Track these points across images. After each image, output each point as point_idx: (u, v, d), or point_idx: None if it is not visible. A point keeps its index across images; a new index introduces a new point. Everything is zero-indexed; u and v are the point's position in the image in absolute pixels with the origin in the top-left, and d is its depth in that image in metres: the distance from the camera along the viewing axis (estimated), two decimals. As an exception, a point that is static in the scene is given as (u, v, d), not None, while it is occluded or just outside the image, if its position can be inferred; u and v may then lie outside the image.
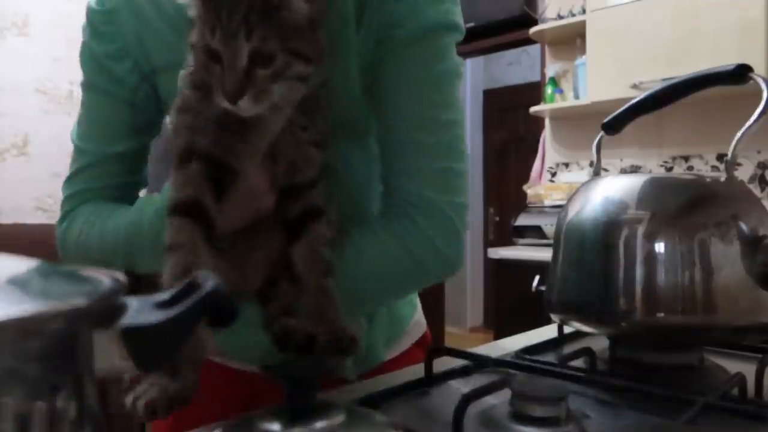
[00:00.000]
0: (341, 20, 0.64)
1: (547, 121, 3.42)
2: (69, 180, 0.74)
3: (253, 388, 0.79)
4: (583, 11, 2.96)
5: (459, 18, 0.66)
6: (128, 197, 0.74)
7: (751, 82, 0.72)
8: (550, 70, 3.30)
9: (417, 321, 0.88)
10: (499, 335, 2.96)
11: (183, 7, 0.61)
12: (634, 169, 3.06)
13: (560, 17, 3.13)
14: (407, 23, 0.63)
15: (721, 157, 2.81)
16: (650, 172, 2.98)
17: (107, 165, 0.72)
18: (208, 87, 0.52)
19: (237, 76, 0.50)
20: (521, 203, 3.35)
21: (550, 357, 0.75)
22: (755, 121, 0.68)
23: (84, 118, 0.72)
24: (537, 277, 0.83)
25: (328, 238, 0.58)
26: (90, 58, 0.69)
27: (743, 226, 0.65)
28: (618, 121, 0.84)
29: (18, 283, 0.30)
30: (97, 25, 0.68)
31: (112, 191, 0.73)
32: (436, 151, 0.63)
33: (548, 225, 2.92)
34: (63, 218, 0.74)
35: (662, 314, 0.65)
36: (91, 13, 0.68)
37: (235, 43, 0.49)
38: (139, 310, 0.33)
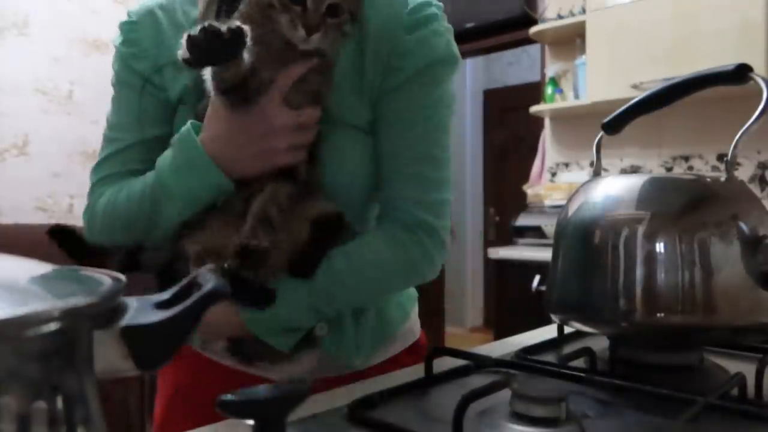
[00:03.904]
0: (347, 43, 0.76)
1: (547, 121, 3.42)
2: (98, 166, 0.83)
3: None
4: (583, 11, 2.96)
5: (456, 49, 0.79)
6: None
7: (751, 82, 0.72)
8: (550, 70, 3.30)
9: (409, 328, 0.91)
10: (499, 335, 2.96)
11: (193, 17, 0.79)
12: (634, 169, 3.06)
13: (560, 17, 3.13)
14: (417, 54, 0.75)
15: (721, 157, 2.81)
16: (650, 172, 2.98)
17: (132, 151, 0.81)
18: (272, 21, 0.67)
19: (318, 17, 0.67)
20: (521, 203, 3.36)
21: (550, 357, 0.75)
22: (755, 121, 0.68)
23: (113, 111, 0.84)
24: (537, 277, 0.83)
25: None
26: (119, 58, 0.82)
27: (743, 226, 0.65)
28: (618, 121, 0.84)
29: (18, 283, 0.30)
30: (126, 33, 0.82)
31: (135, 176, 0.80)
32: (437, 185, 0.77)
33: (548, 225, 2.92)
34: (92, 201, 0.81)
35: (662, 314, 0.65)
36: (121, 23, 0.83)
37: None
38: (139, 310, 0.33)
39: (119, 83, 0.83)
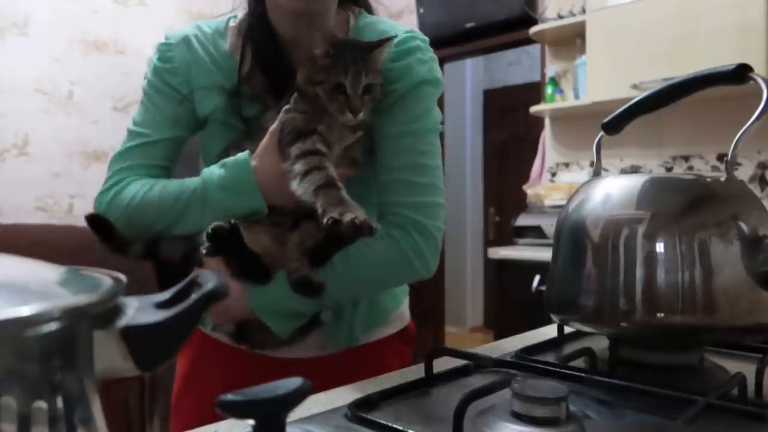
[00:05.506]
0: None
1: (547, 121, 3.42)
2: (121, 154, 0.90)
3: (267, 371, 0.92)
4: (583, 11, 2.96)
5: (440, 74, 0.90)
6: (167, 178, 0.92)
7: (751, 82, 0.72)
8: (550, 70, 3.30)
9: (401, 314, 1.02)
10: (499, 335, 2.96)
11: (222, 49, 0.92)
12: (634, 169, 3.06)
13: (560, 17, 3.13)
14: (404, 78, 0.86)
15: (721, 157, 2.81)
16: (650, 172, 2.98)
17: (159, 147, 0.91)
18: (320, 105, 0.80)
19: (359, 100, 0.79)
20: (521, 203, 3.35)
21: (550, 357, 0.75)
22: (755, 121, 0.68)
23: (142, 112, 0.93)
24: (537, 277, 0.83)
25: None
26: (154, 72, 0.93)
27: (743, 226, 0.65)
28: (618, 121, 0.84)
29: (18, 283, 0.30)
30: (162, 52, 0.93)
31: (155, 171, 0.90)
32: (427, 190, 0.86)
33: (548, 225, 2.92)
34: (111, 186, 0.88)
35: (662, 314, 0.65)
36: (159, 44, 0.94)
37: (360, 78, 0.79)
38: (139, 310, 0.33)
39: (153, 89, 0.93)
